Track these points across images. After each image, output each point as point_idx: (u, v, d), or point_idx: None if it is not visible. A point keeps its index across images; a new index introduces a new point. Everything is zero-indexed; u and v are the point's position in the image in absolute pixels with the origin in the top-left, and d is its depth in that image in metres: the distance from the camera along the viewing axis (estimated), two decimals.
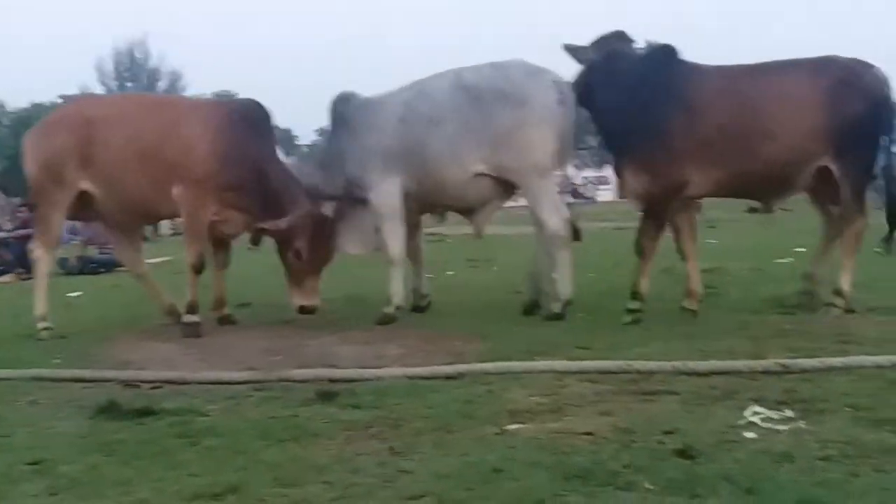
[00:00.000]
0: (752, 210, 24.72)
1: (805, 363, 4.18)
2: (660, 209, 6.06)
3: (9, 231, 14.98)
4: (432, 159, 6.58)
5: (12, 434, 3.69)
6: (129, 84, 68.26)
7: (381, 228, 6.73)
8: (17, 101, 59.09)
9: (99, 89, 63.80)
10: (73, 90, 58.35)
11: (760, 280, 7.69)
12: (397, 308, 6.60)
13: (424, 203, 7.04)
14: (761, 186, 6.22)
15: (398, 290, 6.65)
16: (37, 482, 3.02)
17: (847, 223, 5.89)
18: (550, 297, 6.42)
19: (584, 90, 6.31)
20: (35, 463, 3.23)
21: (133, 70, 69.46)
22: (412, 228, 7.04)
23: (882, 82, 5.96)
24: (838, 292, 5.81)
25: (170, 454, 3.29)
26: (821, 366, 4.14)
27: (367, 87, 7.50)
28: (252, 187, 6.43)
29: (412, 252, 7.04)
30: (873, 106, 5.86)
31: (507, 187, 6.77)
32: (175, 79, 69.57)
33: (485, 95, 6.51)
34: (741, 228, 16.56)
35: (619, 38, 6.37)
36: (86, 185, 6.38)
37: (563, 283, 6.41)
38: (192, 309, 6.37)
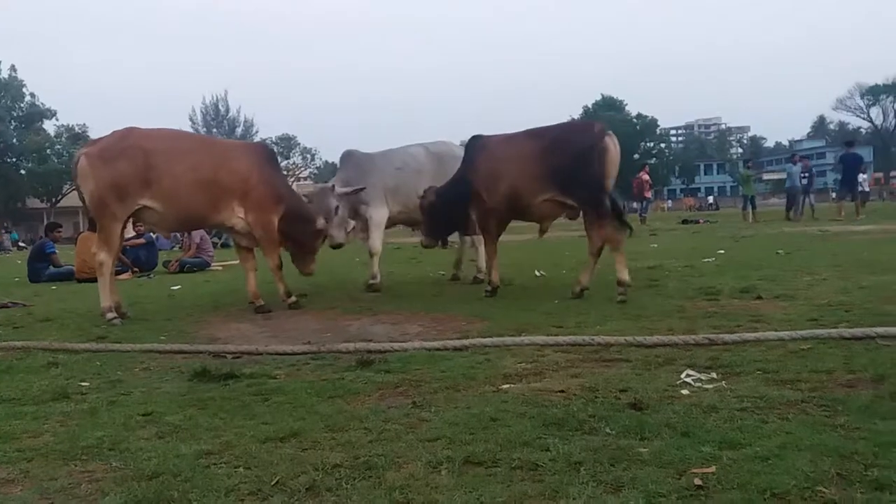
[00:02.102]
0: (684, 221, 24.81)
1: (726, 337, 4.16)
2: (486, 227, 6.85)
3: (125, 239, 15.06)
4: (417, 193, 7.48)
5: (130, 393, 3.70)
6: (214, 130, 68.65)
7: (373, 234, 7.92)
8: None
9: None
10: None
11: (692, 274, 7.67)
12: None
13: (406, 219, 8.26)
14: (527, 213, 6.69)
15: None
16: (148, 428, 3.03)
17: (601, 231, 6.21)
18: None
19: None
20: (147, 414, 3.24)
21: (217, 119, 69.85)
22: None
23: (594, 140, 6.09)
24: (621, 282, 6.04)
25: (248, 407, 3.30)
26: (738, 339, 4.12)
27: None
28: (286, 207, 6.81)
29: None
30: (585, 156, 6.05)
31: None
32: (249, 125, 70.04)
33: (443, 157, 8.00)
34: (676, 235, 16.54)
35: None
36: (146, 202, 6.22)
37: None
38: (288, 294, 6.71)
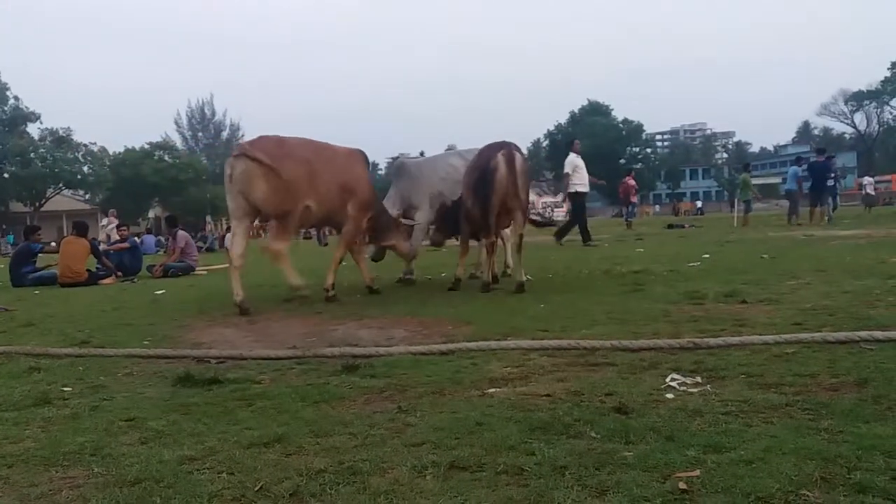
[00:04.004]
0: (670, 226, 25.03)
1: (711, 341, 4.18)
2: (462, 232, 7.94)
3: (109, 244, 14.97)
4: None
5: (113, 398, 3.67)
6: (199, 133, 68.35)
7: (415, 235, 8.67)
8: (113, 146, 59.23)
9: (177, 137, 63.99)
10: (156, 138, 58.69)
11: (677, 279, 7.69)
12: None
13: None
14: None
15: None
16: (131, 434, 3.01)
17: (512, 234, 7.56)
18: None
19: None
20: (130, 419, 3.22)
21: (203, 122, 69.54)
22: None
23: (491, 159, 7.02)
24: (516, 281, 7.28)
25: (231, 413, 3.28)
26: (723, 343, 4.14)
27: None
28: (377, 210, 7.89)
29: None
30: (484, 172, 7.05)
31: None
32: (235, 129, 69.73)
33: None
34: (662, 240, 16.61)
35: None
36: (309, 202, 6.98)
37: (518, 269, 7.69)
38: (332, 286, 7.42)
